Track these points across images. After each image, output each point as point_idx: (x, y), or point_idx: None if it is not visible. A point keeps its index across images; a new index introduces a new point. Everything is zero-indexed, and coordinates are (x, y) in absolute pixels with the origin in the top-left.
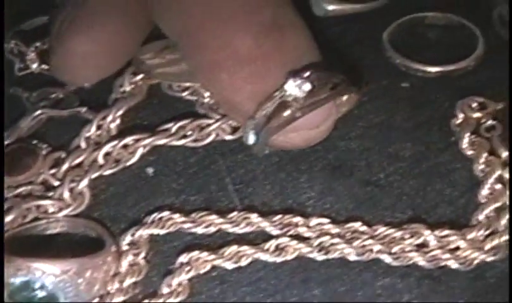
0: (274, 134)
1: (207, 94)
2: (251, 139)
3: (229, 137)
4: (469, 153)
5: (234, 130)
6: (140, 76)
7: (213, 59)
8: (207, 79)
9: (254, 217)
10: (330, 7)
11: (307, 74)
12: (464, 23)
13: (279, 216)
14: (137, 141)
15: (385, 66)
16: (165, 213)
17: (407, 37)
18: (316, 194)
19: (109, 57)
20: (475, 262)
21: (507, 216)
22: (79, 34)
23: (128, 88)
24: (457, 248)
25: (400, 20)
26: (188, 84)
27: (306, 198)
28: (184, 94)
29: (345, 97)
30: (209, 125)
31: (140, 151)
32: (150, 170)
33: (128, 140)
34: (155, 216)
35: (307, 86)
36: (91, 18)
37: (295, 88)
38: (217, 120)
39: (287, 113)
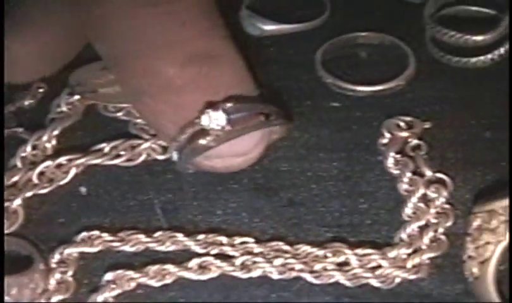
0: (191, 158)
1: (139, 115)
2: (174, 158)
3: (159, 157)
4: (394, 172)
5: (165, 150)
6: (77, 97)
7: (139, 84)
8: (135, 102)
9: (180, 236)
10: (266, 27)
11: (226, 106)
12: (397, 43)
13: (204, 235)
14: (71, 160)
15: (316, 86)
16: (95, 232)
17: (339, 57)
18: (243, 213)
19: (40, 60)
20: (396, 280)
21: (431, 234)
22: (10, 35)
23: (64, 109)
24: (379, 266)
25: (333, 40)
26: (122, 105)
27: (232, 217)
28: (118, 114)
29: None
30: (140, 145)
31: (73, 171)
32: (83, 190)
33: (62, 160)
34: (85, 234)
35: (222, 120)
36: (24, 22)
37: (210, 120)
38: (148, 140)
39: (202, 141)
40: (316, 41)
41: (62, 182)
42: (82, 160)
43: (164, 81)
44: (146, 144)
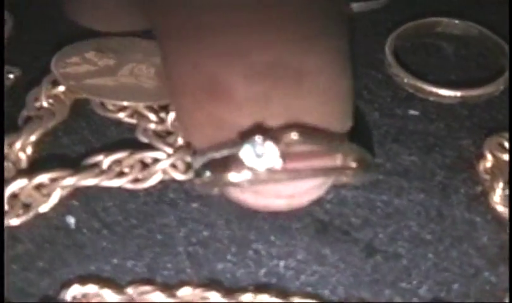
0: (213, 187)
1: (152, 117)
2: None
3: (181, 177)
4: (503, 210)
5: (190, 166)
6: (62, 88)
7: (183, 81)
8: (172, 98)
9: (216, 296)
10: None
11: (288, 136)
12: (488, 35)
13: (249, 294)
14: (55, 180)
15: (387, 86)
16: (91, 286)
17: (415, 49)
18: (299, 263)
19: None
20: None
21: None
22: None
23: (45, 104)
24: None
25: (405, 25)
26: (126, 102)
27: (285, 269)
28: (121, 115)
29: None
30: (156, 160)
31: (58, 194)
32: (71, 221)
33: (43, 178)
34: (77, 289)
35: (272, 155)
36: None
37: (252, 154)
38: (166, 154)
39: (232, 176)
40: (382, 28)
41: (42, 210)
42: (71, 180)
43: (220, 89)
44: (163, 160)
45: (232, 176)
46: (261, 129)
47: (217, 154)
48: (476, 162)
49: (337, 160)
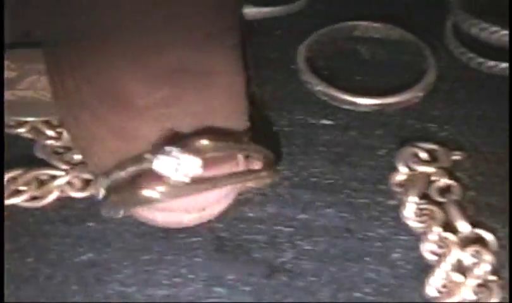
0: (125, 207)
1: (50, 132)
2: (100, 197)
3: (78, 195)
4: (416, 225)
5: (86, 184)
6: None
7: (79, 93)
8: (65, 116)
9: None
10: (245, 10)
11: (200, 143)
12: (408, 38)
13: None
14: None
15: (300, 94)
16: None
17: (331, 54)
18: (201, 286)
19: None
20: None
21: None
22: None
23: None
24: None
25: (321, 30)
26: (26, 118)
27: (186, 292)
28: (20, 130)
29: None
30: (52, 177)
31: None
32: None
33: None
34: None
35: (190, 166)
36: None
37: (167, 165)
38: (63, 171)
39: (147, 192)
40: (297, 32)
41: None
42: None
43: (119, 98)
44: (60, 177)
45: (147, 192)
46: (169, 138)
47: (123, 173)
48: (389, 174)
49: (240, 164)
